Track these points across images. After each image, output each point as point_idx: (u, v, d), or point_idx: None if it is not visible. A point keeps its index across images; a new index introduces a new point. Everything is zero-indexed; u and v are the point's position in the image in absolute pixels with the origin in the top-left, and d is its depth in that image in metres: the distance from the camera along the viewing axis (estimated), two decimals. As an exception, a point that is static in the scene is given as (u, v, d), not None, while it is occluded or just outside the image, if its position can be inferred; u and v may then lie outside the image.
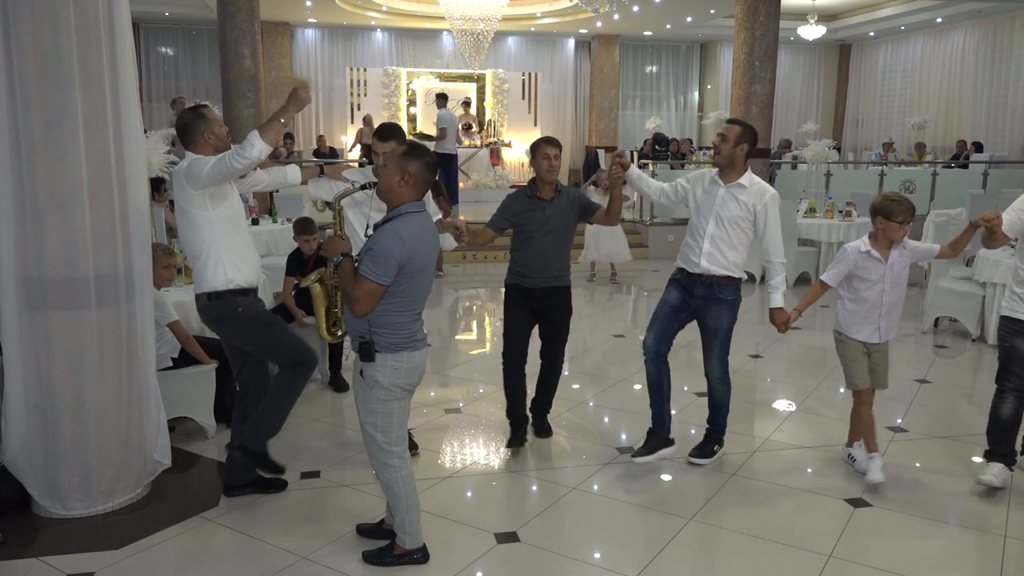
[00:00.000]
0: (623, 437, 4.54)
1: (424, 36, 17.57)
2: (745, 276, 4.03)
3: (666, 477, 4.00)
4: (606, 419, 4.95)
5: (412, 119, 16.68)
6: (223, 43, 10.31)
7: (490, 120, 16.96)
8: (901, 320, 4.05)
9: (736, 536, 3.42)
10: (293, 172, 3.93)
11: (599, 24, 16.41)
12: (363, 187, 3.25)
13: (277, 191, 8.81)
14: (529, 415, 4.43)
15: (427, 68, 17.31)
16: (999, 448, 3.87)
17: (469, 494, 3.83)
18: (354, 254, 2.94)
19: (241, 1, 10.13)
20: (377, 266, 2.75)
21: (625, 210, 13.49)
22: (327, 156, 14.72)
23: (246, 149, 3.24)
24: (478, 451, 4.37)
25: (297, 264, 5.38)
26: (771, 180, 12.08)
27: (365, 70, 16.73)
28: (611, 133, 18.25)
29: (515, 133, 16.89)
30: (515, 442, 4.29)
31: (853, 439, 4.10)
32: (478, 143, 16.12)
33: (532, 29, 17.22)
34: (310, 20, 16.65)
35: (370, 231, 2.95)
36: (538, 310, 4.26)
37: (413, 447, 4.16)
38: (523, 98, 17.17)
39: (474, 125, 16.43)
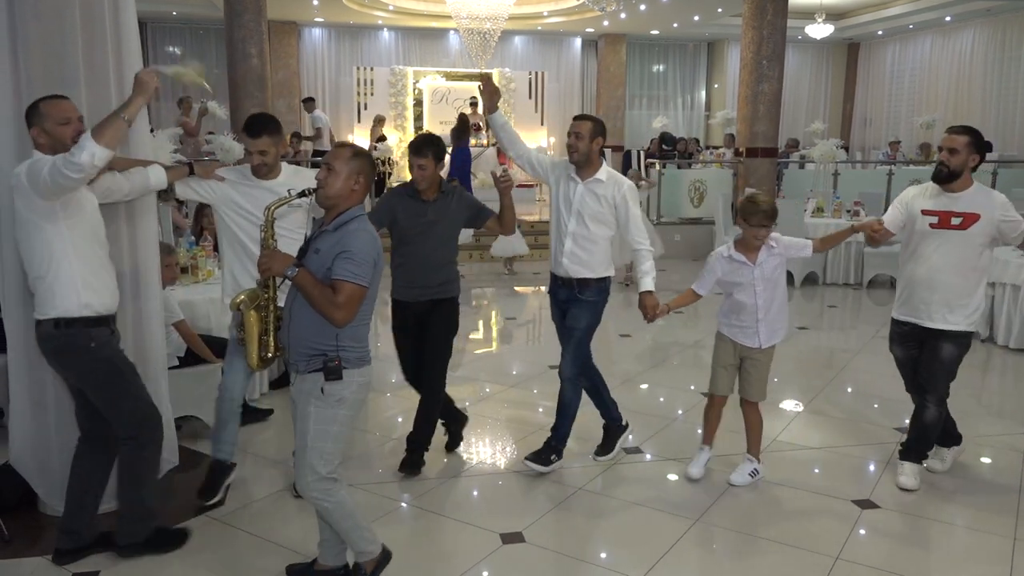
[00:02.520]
0: (630, 437, 4.51)
1: (431, 35, 17.56)
2: (612, 274, 3.93)
3: (672, 478, 3.99)
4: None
5: (419, 118, 16.69)
6: (230, 42, 10.33)
7: (497, 119, 16.94)
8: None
9: (742, 537, 3.41)
10: (157, 174, 3.31)
11: (606, 23, 16.37)
12: (301, 194, 2.80)
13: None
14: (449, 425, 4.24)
15: (434, 67, 17.30)
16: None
17: (475, 494, 3.82)
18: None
19: (248, 0, 10.13)
20: (358, 267, 2.56)
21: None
22: (334, 155, 14.68)
23: (74, 155, 2.68)
24: (484, 451, 4.36)
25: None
26: (778, 179, 12.03)
27: (372, 69, 16.74)
28: (618, 132, 18.18)
29: (522, 132, 16.44)
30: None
31: (708, 438, 4.01)
32: (485, 142, 16.10)
33: (539, 28, 17.19)
34: (317, 19, 16.65)
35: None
36: (417, 325, 3.94)
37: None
38: (530, 97, 17.15)
39: (481, 124, 16.41)
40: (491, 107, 3.82)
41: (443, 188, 3.86)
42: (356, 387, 2.68)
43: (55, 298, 2.86)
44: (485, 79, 3.85)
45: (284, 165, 3.65)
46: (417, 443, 4.01)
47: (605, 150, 13.60)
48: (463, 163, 12.23)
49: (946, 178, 3.62)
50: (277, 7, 14.36)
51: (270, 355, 2.97)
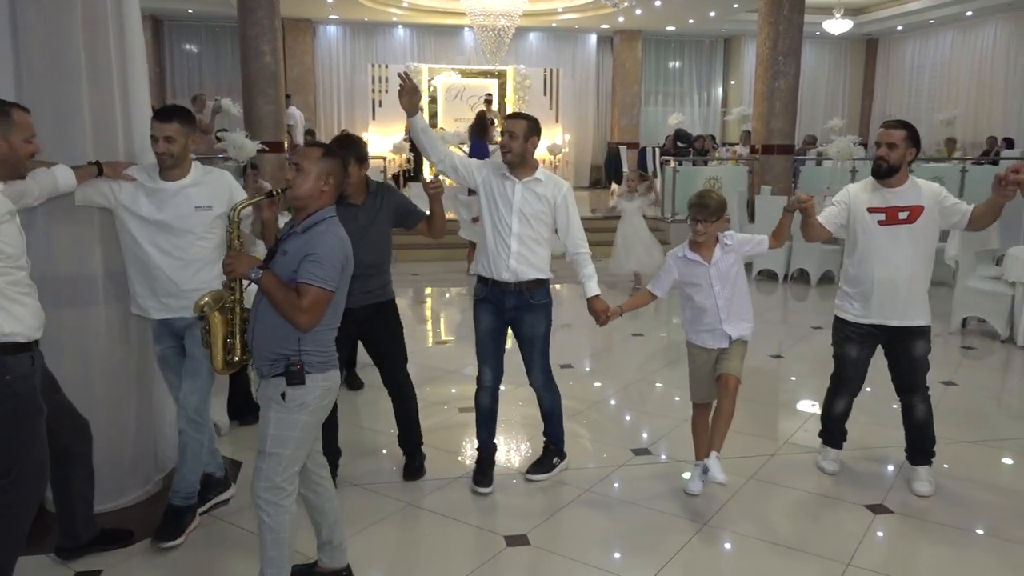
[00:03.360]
0: (643, 437, 4.45)
1: (445, 32, 17.54)
2: (552, 277, 3.79)
3: (683, 480, 3.91)
4: (623, 419, 4.88)
5: (433, 115, 16.68)
6: (243, 40, 10.34)
7: (512, 116, 16.90)
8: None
9: (752, 542, 3.33)
10: (64, 175, 3.01)
11: (621, 19, 16.27)
12: (269, 195, 2.75)
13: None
14: (341, 451, 3.94)
15: (448, 64, 17.28)
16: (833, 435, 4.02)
17: (476, 494, 3.76)
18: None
19: (262, -3, 10.15)
20: (325, 271, 2.47)
21: (648, 207, 13.44)
22: (348, 152, 14.73)
23: None
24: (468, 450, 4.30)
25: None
26: (795, 177, 11.90)
27: (386, 66, 16.74)
28: (633, 129, 18.10)
29: (536, 129, 16.79)
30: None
31: (700, 453, 3.81)
32: (499, 139, 16.04)
33: (553, 25, 17.12)
34: (331, 16, 16.67)
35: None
36: (361, 333, 3.80)
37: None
38: (545, 94, 17.10)
39: (496, 121, 16.36)
40: (410, 109, 3.60)
41: (371, 189, 3.69)
42: (320, 392, 2.59)
43: None
44: (404, 77, 3.62)
45: (195, 164, 3.31)
46: (413, 445, 3.97)
47: (621, 147, 13.61)
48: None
49: (886, 173, 3.57)
50: (292, 5, 14.39)
51: (236, 359, 2.82)
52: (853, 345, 3.78)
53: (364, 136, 16.45)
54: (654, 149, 14.74)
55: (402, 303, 8.61)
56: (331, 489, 2.89)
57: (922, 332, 3.66)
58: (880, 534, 3.40)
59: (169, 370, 3.41)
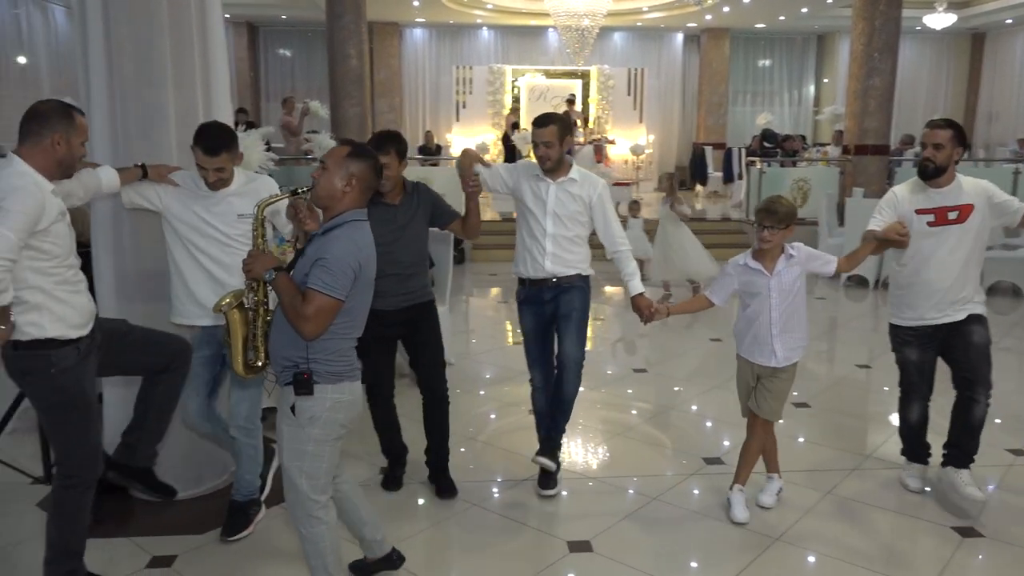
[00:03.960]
0: (716, 446, 4.33)
1: (529, 33, 17.57)
2: (592, 273, 3.71)
3: (756, 492, 3.78)
4: (696, 427, 4.76)
5: (518, 117, 16.73)
6: (330, 44, 10.62)
7: (595, 116, 16.81)
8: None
9: (827, 560, 3.19)
10: (108, 176, 3.03)
11: (708, 17, 15.94)
12: (293, 192, 2.63)
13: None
14: (407, 449, 3.90)
15: (532, 65, 17.31)
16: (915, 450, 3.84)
17: (541, 497, 3.72)
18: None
19: (348, 2, 10.40)
20: (333, 278, 2.34)
21: (732, 209, 13.13)
22: (433, 153, 14.97)
23: None
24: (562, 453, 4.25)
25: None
26: (889, 178, 11.38)
27: (471, 68, 16.91)
28: (720, 129, 17.71)
29: (620, 130, 16.67)
30: (391, 482, 3.81)
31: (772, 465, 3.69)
32: (581, 140, 15.98)
33: (638, 24, 16.93)
34: (418, 20, 16.95)
35: (280, 242, 2.61)
36: (401, 335, 3.72)
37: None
38: (629, 94, 16.93)
39: (579, 122, 16.30)
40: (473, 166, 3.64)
41: (407, 188, 3.61)
42: (330, 405, 2.45)
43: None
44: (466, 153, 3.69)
45: (239, 172, 3.28)
46: (441, 461, 3.82)
47: (706, 147, 13.37)
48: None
49: (932, 174, 3.45)
50: (379, 9, 14.69)
51: (260, 363, 2.72)
52: (912, 349, 3.66)
53: (448, 137, 16.70)
54: (740, 150, 14.37)
55: (480, 302, 8.68)
56: (349, 492, 2.83)
57: (979, 319, 3.54)
58: (968, 560, 3.19)
59: (193, 376, 3.30)
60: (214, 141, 3.05)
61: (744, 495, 3.54)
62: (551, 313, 3.67)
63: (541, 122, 3.53)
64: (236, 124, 8.55)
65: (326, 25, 10.74)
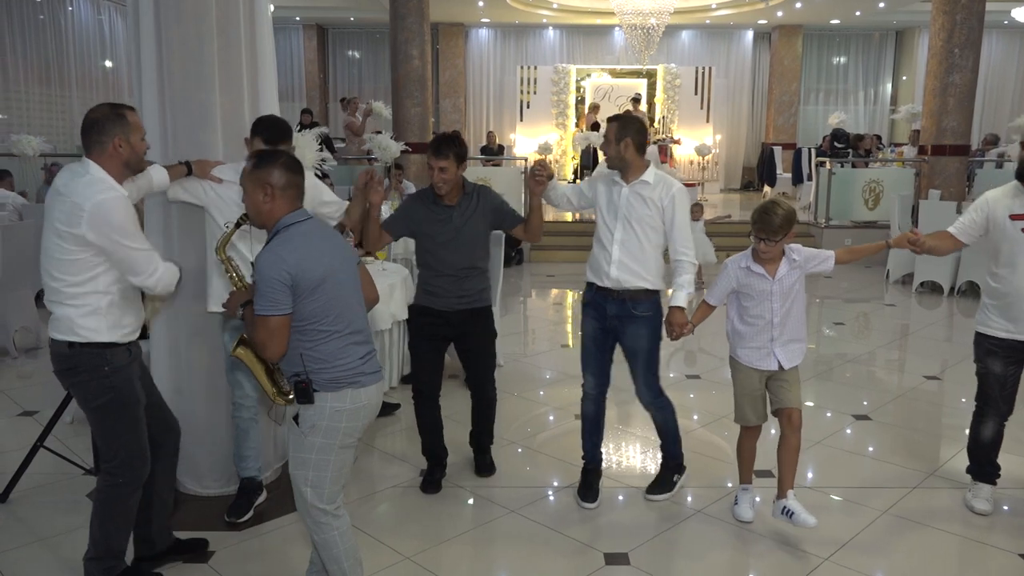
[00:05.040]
0: (766, 458, 4.16)
1: (595, 32, 17.43)
2: (662, 287, 3.53)
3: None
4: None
5: (580, 117, 16.62)
6: (393, 44, 10.72)
7: (661, 116, 16.56)
8: None
9: (880, 584, 3.02)
10: (159, 175, 3.08)
11: (780, 14, 15.51)
12: (238, 224, 2.60)
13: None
14: (447, 452, 3.91)
15: (597, 65, 17.16)
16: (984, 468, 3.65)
17: (584, 507, 3.65)
18: None
19: (411, 4, 10.47)
20: (263, 298, 2.31)
21: (800, 211, 12.73)
22: (495, 153, 14.98)
23: (149, 280, 2.70)
24: (605, 462, 4.16)
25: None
26: (969, 180, 10.86)
27: (535, 68, 16.86)
28: (790, 129, 17.22)
29: (686, 129, 16.38)
30: (429, 484, 3.78)
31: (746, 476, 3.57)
32: (647, 140, 15.76)
33: (707, 22, 16.60)
34: (483, 20, 16.99)
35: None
36: (454, 337, 3.75)
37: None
38: (696, 93, 16.60)
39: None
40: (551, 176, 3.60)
41: (466, 190, 3.62)
42: (330, 413, 2.40)
43: (77, 317, 2.67)
44: (538, 163, 3.60)
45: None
46: (484, 444, 3.96)
47: (775, 147, 13.00)
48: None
49: None
50: (445, 10, 14.80)
51: (289, 390, 2.62)
52: (996, 360, 3.47)
53: (511, 137, 16.70)
54: (810, 150, 13.93)
55: (537, 303, 8.62)
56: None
57: None
58: (1036, 590, 2.98)
59: (238, 368, 3.37)
60: (272, 132, 3.14)
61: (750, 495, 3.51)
62: (614, 329, 3.55)
63: (609, 119, 3.50)
64: (300, 125, 8.73)
65: (389, 26, 10.85)
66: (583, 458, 3.74)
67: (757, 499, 3.57)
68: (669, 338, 3.47)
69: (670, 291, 3.49)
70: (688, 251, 3.47)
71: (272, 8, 12.11)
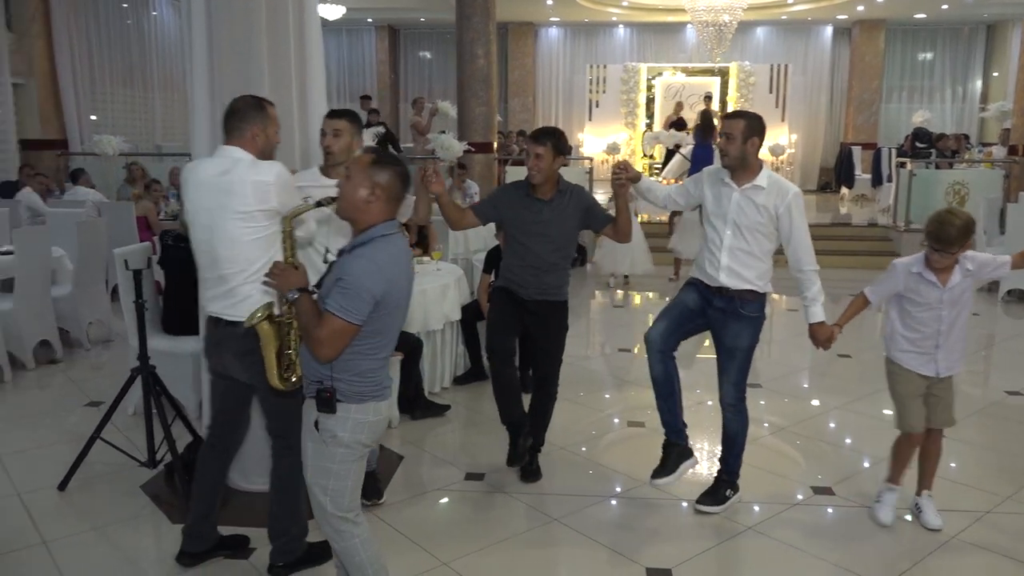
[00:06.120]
0: (826, 474, 3.97)
1: (666, 30, 17.13)
2: (771, 290, 3.39)
3: (863, 531, 3.42)
4: (809, 451, 4.37)
5: (651, 116, 16.38)
6: (460, 44, 10.76)
7: (732, 115, 16.17)
8: None
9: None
10: None
11: (861, 8, 14.92)
12: (319, 204, 2.53)
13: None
14: (528, 419, 3.84)
15: (669, 63, 16.86)
16: None
17: (631, 518, 3.54)
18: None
19: (477, 4, 10.49)
20: (349, 301, 2.22)
21: (879, 214, 12.22)
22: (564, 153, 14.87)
23: None
24: (649, 471, 4.03)
25: (495, 261, 5.38)
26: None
27: (604, 67, 16.69)
28: (870, 128, 16.56)
29: (760, 129, 15.92)
30: (515, 458, 3.74)
31: (924, 484, 3.44)
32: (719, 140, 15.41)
33: (783, 17, 16.09)
34: (552, 19, 16.91)
35: (331, 256, 2.47)
36: (529, 324, 3.75)
37: (376, 494, 3.58)
38: (771, 91, 16.13)
39: (716, 121, 15.72)
40: (636, 177, 3.52)
41: (561, 187, 3.60)
42: (353, 426, 2.34)
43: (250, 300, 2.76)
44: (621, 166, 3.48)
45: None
46: (533, 449, 3.88)
47: (853, 147, 12.58)
48: (705, 162, 11.75)
49: None
50: (514, 9, 14.77)
51: (295, 377, 2.62)
52: None
53: (579, 136, 16.57)
54: (891, 150, 13.36)
55: (598, 305, 8.49)
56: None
57: None
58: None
59: None
60: (339, 110, 3.33)
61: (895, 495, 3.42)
62: (712, 319, 3.46)
63: (733, 115, 3.37)
64: (368, 123, 8.86)
65: (456, 26, 10.89)
66: (663, 428, 3.62)
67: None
68: (816, 346, 3.41)
69: (804, 305, 3.38)
70: (811, 261, 3.32)
71: (344, 10, 12.32)
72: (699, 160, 11.70)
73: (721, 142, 3.29)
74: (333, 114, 3.33)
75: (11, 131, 10.30)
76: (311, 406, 2.40)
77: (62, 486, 3.72)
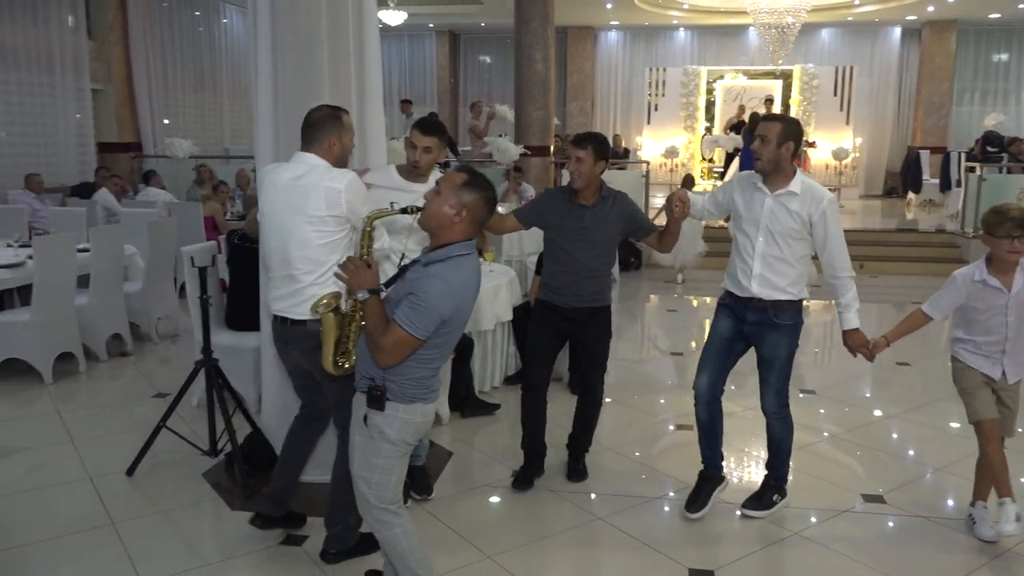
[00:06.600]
0: (880, 482, 3.91)
1: (728, 33, 16.92)
2: (807, 295, 3.33)
3: (913, 540, 3.36)
4: (861, 458, 4.31)
5: (711, 119, 16.22)
6: (518, 49, 10.85)
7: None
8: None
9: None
10: None
11: (931, 9, 14.50)
12: (403, 211, 2.57)
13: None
14: (546, 450, 3.91)
15: (730, 66, 16.67)
16: None
17: (676, 519, 3.56)
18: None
19: (536, 9, 10.56)
20: (418, 317, 2.30)
21: (948, 219, 11.86)
22: (620, 156, 14.86)
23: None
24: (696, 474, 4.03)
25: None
26: None
27: (664, 70, 16.60)
28: (940, 131, 16.07)
29: (823, 132, 15.63)
30: (521, 481, 3.79)
31: (980, 494, 3.35)
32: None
33: (849, 19, 15.74)
34: (612, 23, 16.89)
35: (404, 260, 2.57)
36: (570, 333, 3.74)
37: (426, 490, 3.69)
38: (835, 94, 15.81)
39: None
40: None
41: (603, 193, 3.60)
42: (400, 424, 2.43)
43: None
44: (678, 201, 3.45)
45: (435, 173, 3.52)
46: (580, 450, 3.92)
47: (921, 151, 12.23)
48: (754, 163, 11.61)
49: None
50: (574, 14, 14.83)
51: (348, 365, 2.66)
52: None
53: (637, 140, 16.51)
54: (960, 154, 12.94)
55: (653, 309, 8.47)
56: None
57: None
58: None
59: None
60: (429, 125, 3.44)
61: (987, 511, 3.33)
62: (749, 334, 3.43)
63: (769, 118, 3.37)
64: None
65: (514, 31, 10.97)
66: (702, 463, 3.64)
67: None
68: (859, 356, 3.35)
69: (837, 311, 3.36)
70: (846, 268, 3.29)
71: (405, 16, 12.50)
72: (748, 162, 11.57)
73: (756, 145, 3.25)
74: (425, 129, 3.41)
75: (90, 135, 10.80)
76: (361, 400, 2.49)
77: (130, 471, 3.92)
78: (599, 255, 3.64)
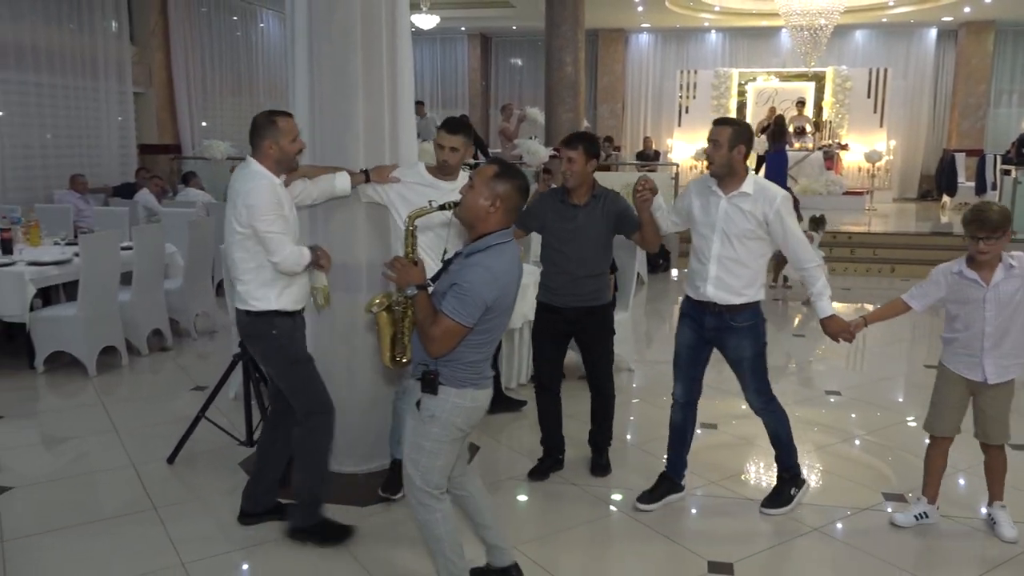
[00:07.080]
0: (905, 481, 3.94)
1: (759, 35, 16.87)
2: (763, 297, 3.36)
3: (932, 538, 3.40)
4: (886, 458, 4.34)
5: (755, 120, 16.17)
6: (548, 51, 10.96)
7: (827, 121, 15.78)
8: None
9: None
10: (342, 180, 3.49)
11: (967, 9, 14.32)
12: (441, 207, 2.68)
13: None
14: (564, 444, 4.06)
15: (762, 68, 16.60)
16: None
17: (697, 514, 3.64)
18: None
19: (567, 12, 10.66)
20: (463, 306, 2.41)
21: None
22: (651, 159, 14.89)
23: (277, 258, 3.10)
24: (719, 472, 4.09)
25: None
26: None
27: (695, 72, 16.59)
28: (976, 134, 15.85)
29: (856, 135, 15.51)
30: (537, 473, 3.93)
31: (995, 495, 3.41)
32: (810, 146, 15.09)
33: (884, 20, 15.60)
34: (643, 25, 16.91)
35: (447, 256, 2.66)
36: (571, 332, 3.84)
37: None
38: (868, 96, 15.68)
39: (808, 127, 15.39)
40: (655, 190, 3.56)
41: (595, 192, 3.69)
42: (451, 408, 2.53)
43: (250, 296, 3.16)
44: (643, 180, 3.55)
45: (462, 172, 3.63)
46: (602, 443, 4.02)
47: (956, 154, 12.15)
48: (779, 167, 11.56)
49: None
50: (605, 16, 14.89)
51: (404, 359, 2.79)
52: None
53: (668, 142, 16.52)
54: (995, 157, 12.77)
55: (677, 310, 8.50)
56: (477, 495, 2.90)
57: None
58: None
59: None
60: (455, 125, 3.52)
61: (1006, 510, 3.39)
62: (712, 340, 3.50)
63: (720, 121, 3.38)
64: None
65: (545, 34, 11.09)
66: (665, 464, 3.73)
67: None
68: (840, 341, 3.40)
69: (811, 301, 3.43)
70: (810, 259, 3.37)
71: (438, 19, 12.63)
72: (772, 164, 11.52)
73: (708, 149, 3.32)
74: (451, 129, 3.50)
75: (131, 137, 11.11)
76: (415, 387, 2.60)
77: (170, 460, 4.09)
78: (591, 253, 3.70)
